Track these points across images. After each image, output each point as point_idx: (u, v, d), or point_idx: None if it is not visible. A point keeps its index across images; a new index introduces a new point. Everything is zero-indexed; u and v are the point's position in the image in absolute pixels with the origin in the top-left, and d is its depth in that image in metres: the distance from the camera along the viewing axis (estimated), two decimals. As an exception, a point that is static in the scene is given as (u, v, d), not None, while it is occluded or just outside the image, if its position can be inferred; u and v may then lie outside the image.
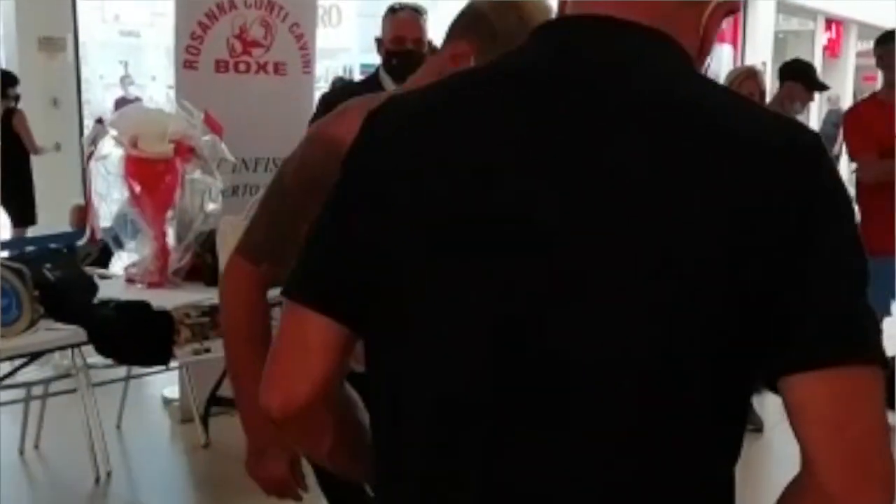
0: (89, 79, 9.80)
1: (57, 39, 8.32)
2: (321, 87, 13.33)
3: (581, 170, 0.90)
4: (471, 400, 0.94)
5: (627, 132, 0.90)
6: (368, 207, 0.99)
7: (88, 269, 3.77)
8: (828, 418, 0.88)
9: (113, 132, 3.66)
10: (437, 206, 0.94)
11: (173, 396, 4.81)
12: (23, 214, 7.84)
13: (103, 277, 3.85)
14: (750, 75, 4.78)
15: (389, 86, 3.53)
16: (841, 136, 14.41)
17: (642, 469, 0.91)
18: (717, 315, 0.88)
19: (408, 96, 1.08)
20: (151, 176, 3.65)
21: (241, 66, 4.58)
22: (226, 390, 4.36)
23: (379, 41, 3.67)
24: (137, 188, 3.65)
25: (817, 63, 17.06)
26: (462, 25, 1.71)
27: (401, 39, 3.55)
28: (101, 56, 13.44)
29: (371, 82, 3.73)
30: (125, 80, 12.85)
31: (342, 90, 3.99)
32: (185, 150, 3.69)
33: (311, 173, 1.64)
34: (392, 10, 3.70)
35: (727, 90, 1.01)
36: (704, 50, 1.02)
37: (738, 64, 14.53)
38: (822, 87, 5.45)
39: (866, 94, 4.66)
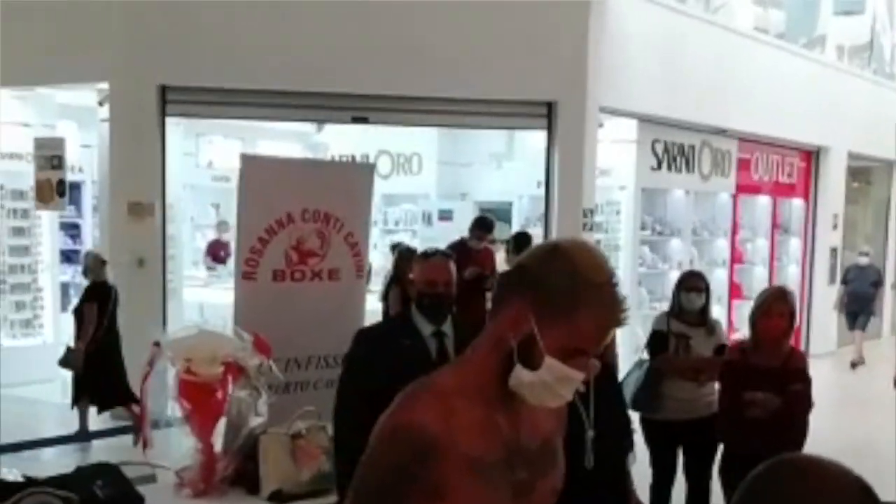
0: (174, 235, 10.35)
1: (146, 205, 8.92)
2: (394, 231, 13.86)
3: None
4: None
5: None
6: None
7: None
8: None
9: (168, 354, 4.00)
10: None
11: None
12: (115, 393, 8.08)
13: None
14: (778, 297, 4.92)
15: (422, 324, 3.83)
16: (881, 297, 13.23)
17: None
18: None
19: None
20: (201, 395, 3.96)
21: (297, 275, 4.96)
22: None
23: (411, 281, 3.98)
24: (188, 407, 3.98)
25: (894, 211, 16.89)
26: (513, 286, 1.79)
27: (433, 283, 3.84)
28: (194, 199, 14.18)
29: (403, 320, 4.03)
30: (221, 226, 13.56)
31: (375, 329, 4.29)
32: (234, 371, 4.01)
33: (399, 469, 1.69)
34: (424, 256, 4.03)
35: None
36: None
37: (810, 216, 14.58)
38: None
39: None
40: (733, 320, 12.86)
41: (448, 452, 1.71)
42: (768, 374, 4.73)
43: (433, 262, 3.92)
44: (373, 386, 3.72)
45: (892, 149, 15.80)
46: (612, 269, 1.79)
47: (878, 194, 17.69)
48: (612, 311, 1.75)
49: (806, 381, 4.78)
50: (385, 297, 8.18)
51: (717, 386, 5.81)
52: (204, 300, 11.39)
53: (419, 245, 9.73)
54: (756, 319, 4.91)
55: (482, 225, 9.24)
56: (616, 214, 11.71)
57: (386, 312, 7.97)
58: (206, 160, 14.20)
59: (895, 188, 17.16)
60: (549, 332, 1.73)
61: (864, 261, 13.84)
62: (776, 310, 4.79)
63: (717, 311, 10.34)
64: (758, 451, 4.72)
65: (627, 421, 4.19)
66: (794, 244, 14.65)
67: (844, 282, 13.88)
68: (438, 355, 3.79)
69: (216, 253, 13.43)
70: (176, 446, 4.22)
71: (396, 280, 8.05)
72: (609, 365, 4.26)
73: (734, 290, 13.35)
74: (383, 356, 3.77)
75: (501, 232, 10.85)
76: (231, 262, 12.23)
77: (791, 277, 14.47)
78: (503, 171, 13.43)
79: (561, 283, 1.72)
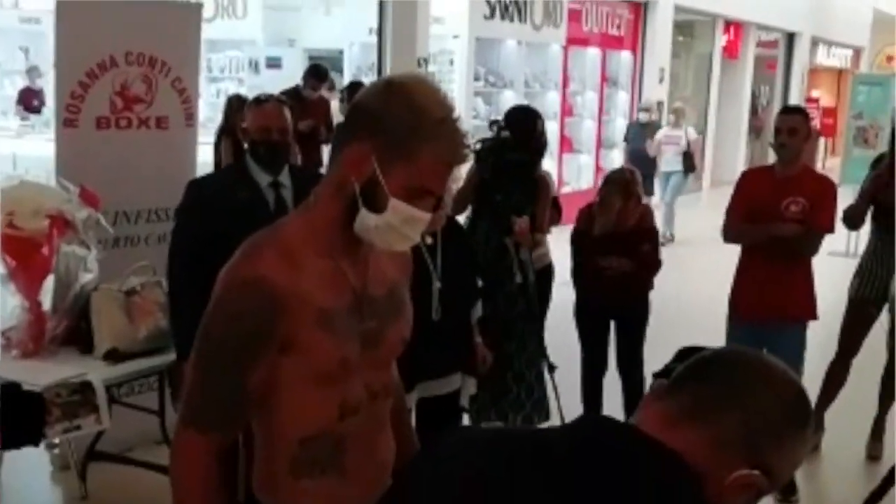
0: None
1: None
2: (220, 79, 13.33)
3: None
4: None
5: None
6: None
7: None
8: None
9: (-13, 207, 3.72)
10: None
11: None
12: None
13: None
14: (620, 192, 4.82)
15: (257, 174, 3.67)
16: (657, 155, 11.92)
17: None
18: None
19: None
20: (26, 251, 3.72)
21: (123, 122, 4.66)
22: (105, 444, 4.49)
23: (244, 130, 3.79)
24: (12, 263, 3.73)
25: (716, 65, 17.40)
26: (350, 127, 1.73)
27: (266, 130, 3.65)
28: (1, 43, 13.22)
29: (237, 170, 3.85)
30: (33, 73, 12.72)
31: (208, 179, 4.10)
32: (60, 225, 3.77)
33: (245, 324, 1.66)
34: (257, 101, 3.82)
35: None
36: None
37: (637, 69, 14.85)
38: None
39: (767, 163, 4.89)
40: (563, 174, 13.12)
41: (296, 306, 1.68)
42: (620, 235, 4.79)
43: (266, 108, 3.73)
44: (208, 239, 3.58)
45: (717, 2, 16.16)
46: (451, 103, 1.72)
47: (701, 48, 18.17)
48: (453, 146, 1.70)
49: (654, 241, 4.89)
50: (216, 148, 7.86)
51: (547, 239, 5.87)
52: (17, 151, 10.74)
53: (247, 94, 9.37)
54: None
55: (316, 73, 8.94)
56: (450, 65, 11.59)
57: (218, 164, 7.69)
58: (11, 0, 13.18)
59: (717, 42, 17.65)
60: (391, 172, 1.67)
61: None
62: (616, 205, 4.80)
63: (548, 164, 10.49)
64: (608, 303, 4.89)
65: (473, 273, 4.20)
66: (623, 98, 14.91)
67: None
68: (276, 206, 3.67)
69: (28, 102, 12.61)
70: (0, 306, 3.98)
71: (227, 130, 7.75)
72: (454, 218, 4.24)
73: (564, 144, 13.57)
74: (218, 209, 3.60)
75: (335, 81, 10.58)
76: (46, 110, 11.54)
77: (618, 131, 14.78)
78: (332, 18, 13.00)
79: (400, 120, 1.65)
